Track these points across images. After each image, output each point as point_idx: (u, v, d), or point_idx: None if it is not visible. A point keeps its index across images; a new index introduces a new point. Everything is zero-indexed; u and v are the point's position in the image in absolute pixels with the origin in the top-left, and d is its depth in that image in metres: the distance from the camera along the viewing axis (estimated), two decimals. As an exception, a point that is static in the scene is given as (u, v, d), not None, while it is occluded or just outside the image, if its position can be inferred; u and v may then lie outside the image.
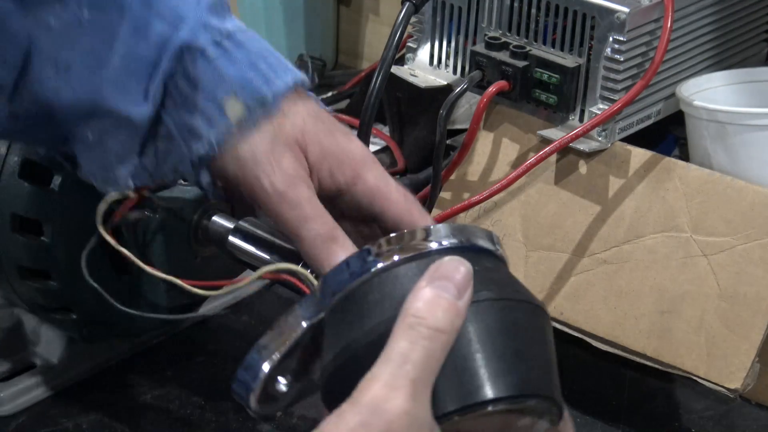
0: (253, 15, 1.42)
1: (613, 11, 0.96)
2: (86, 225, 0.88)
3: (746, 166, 0.95)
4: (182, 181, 0.91)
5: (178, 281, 0.76)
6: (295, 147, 0.71)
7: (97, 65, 0.70)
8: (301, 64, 1.38)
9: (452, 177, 1.04)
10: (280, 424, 0.93)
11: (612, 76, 0.97)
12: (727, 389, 0.91)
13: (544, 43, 1.00)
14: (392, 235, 0.64)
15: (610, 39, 0.96)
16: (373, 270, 0.62)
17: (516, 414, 0.61)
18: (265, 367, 0.63)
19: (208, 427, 0.93)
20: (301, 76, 0.73)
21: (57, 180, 0.86)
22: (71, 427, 0.93)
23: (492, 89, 1.00)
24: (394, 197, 0.73)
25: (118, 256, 0.91)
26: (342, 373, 0.61)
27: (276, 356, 0.63)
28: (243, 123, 0.70)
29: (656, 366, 0.94)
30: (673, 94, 1.02)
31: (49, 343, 0.96)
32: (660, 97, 1.03)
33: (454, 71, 1.06)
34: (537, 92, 1.00)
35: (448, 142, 1.08)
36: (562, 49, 0.99)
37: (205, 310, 1.03)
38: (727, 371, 0.91)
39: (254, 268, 0.92)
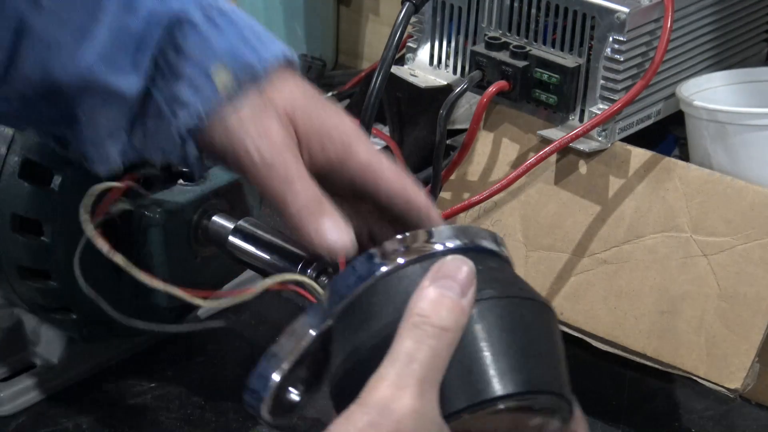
0: (253, 15, 1.40)
1: (613, 11, 0.96)
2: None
3: (746, 166, 0.95)
4: (181, 182, 0.91)
5: (178, 292, 0.76)
6: (284, 118, 0.71)
7: (86, 41, 0.69)
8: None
9: (452, 177, 1.04)
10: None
11: (612, 76, 0.97)
12: (727, 389, 0.91)
13: (544, 43, 1.00)
14: (396, 237, 0.64)
15: (610, 39, 0.96)
16: (377, 274, 0.62)
17: (526, 412, 0.61)
18: (275, 377, 0.63)
19: (208, 427, 0.93)
20: (291, 52, 0.73)
21: (57, 180, 0.86)
22: (71, 427, 0.93)
23: (492, 89, 1.00)
24: (388, 172, 0.72)
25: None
26: (350, 377, 0.61)
27: (285, 366, 0.63)
28: (231, 92, 0.70)
29: (656, 366, 0.94)
30: (673, 94, 1.02)
31: (49, 343, 0.96)
32: (660, 97, 1.03)
33: (454, 71, 1.06)
34: (537, 92, 1.00)
35: (448, 142, 1.08)
36: (562, 49, 0.99)
37: (204, 310, 1.03)
38: (727, 371, 0.91)
39: (254, 269, 0.93)
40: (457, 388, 0.59)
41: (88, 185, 0.87)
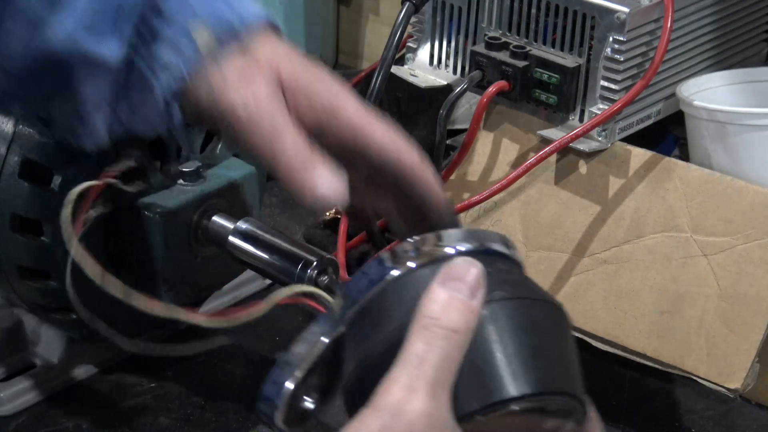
0: (253, 15, 1.42)
1: (613, 11, 0.96)
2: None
3: (746, 166, 0.95)
4: (181, 182, 0.91)
5: (182, 314, 0.75)
6: (269, 74, 0.70)
7: (67, 10, 0.69)
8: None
9: (452, 177, 1.04)
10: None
11: (612, 76, 0.97)
12: (727, 389, 0.91)
13: (544, 43, 1.00)
14: (406, 240, 0.64)
15: (610, 39, 0.96)
16: (388, 278, 0.62)
17: (540, 414, 0.61)
18: (289, 385, 0.62)
19: (208, 427, 0.93)
20: (273, 16, 0.72)
21: (57, 180, 0.86)
22: (71, 427, 0.93)
23: (492, 89, 1.00)
24: (378, 128, 0.71)
25: (116, 253, 0.91)
26: (362, 381, 0.60)
27: (299, 374, 0.62)
28: (213, 51, 0.70)
29: (656, 366, 0.94)
30: (673, 94, 1.02)
31: (49, 343, 0.96)
32: (660, 97, 1.03)
33: (454, 71, 1.06)
34: (537, 92, 1.00)
35: (448, 142, 1.08)
36: (562, 49, 0.99)
37: (204, 310, 1.03)
38: (727, 371, 0.91)
39: (254, 269, 0.93)
40: (469, 390, 0.59)
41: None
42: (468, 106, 1.15)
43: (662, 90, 1.03)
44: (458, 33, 1.05)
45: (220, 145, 0.95)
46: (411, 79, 1.07)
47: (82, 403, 0.95)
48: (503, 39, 1.01)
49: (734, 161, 0.96)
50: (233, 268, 0.96)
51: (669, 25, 0.97)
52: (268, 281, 1.06)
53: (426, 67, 1.08)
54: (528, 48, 1.00)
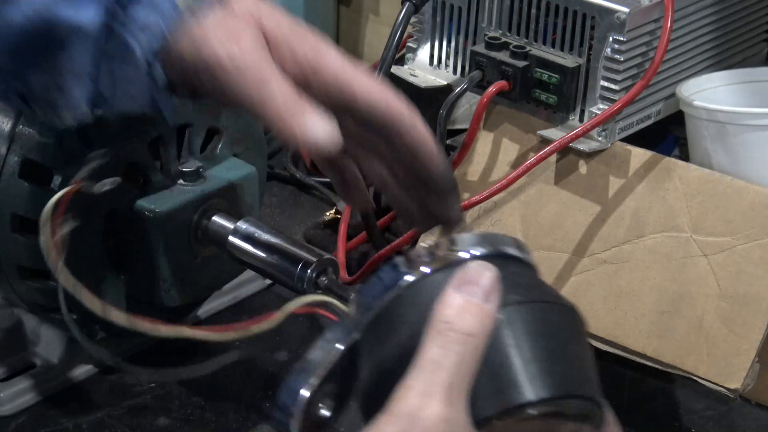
0: (253, 15, 1.42)
1: (613, 11, 0.96)
2: (86, 225, 0.88)
3: (746, 166, 0.95)
4: (181, 182, 0.91)
5: (190, 332, 0.73)
6: (251, 22, 0.70)
7: None
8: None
9: (452, 177, 1.04)
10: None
11: (612, 76, 0.97)
12: (727, 389, 0.91)
13: (544, 43, 1.00)
14: (419, 245, 0.64)
15: (610, 39, 0.96)
16: (402, 284, 0.61)
17: (557, 418, 0.60)
18: (305, 393, 0.62)
19: (208, 427, 0.93)
20: None
21: (57, 180, 0.86)
22: (71, 427, 0.93)
23: (492, 89, 1.00)
24: (363, 77, 0.71)
25: (116, 253, 0.91)
26: (378, 388, 0.60)
27: (315, 381, 0.62)
28: (192, 7, 0.70)
29: (656, 366, 0.94)
30: (673, 94, 1.02)
31: (49, 343, 0.96)
32: (660, 97, 1.03)
33: (454, 71, 1.06)
34: (537, 92, 1.00)
35: (448, 142, 1.08)
36: (562, 49, 0.99)
37: (204, 311, 1.03)
38: (727, 371, 0.91)
39: (254, 269, 0.93)
40: (486, 395, 0.58)
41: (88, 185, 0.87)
42: (468, 106, 1.15)
43: (662, 90, 1.03)
44: (458, 33, 1.05)
45: (220, 145, 0.95)
46: (411, 79, 1.07)
47: (82, 403, 0.95)
48: (503, 39, 1.01)
49: (734, 161, 0.96)
50: (233, 268, 0.96)
51: (669, 25, 0.97)
52: (268, 281, 1.06)
53: (426, 67, 1.08)
54: (528, 48, 1.00)
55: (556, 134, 0.99)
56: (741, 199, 0.93)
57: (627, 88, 0.98)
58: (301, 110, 0.69)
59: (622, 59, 0.96)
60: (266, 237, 0.91)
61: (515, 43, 1.00)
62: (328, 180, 1.21)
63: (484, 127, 1.03)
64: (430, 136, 0.73)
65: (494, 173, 1.03)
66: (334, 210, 1.14)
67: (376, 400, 0.59)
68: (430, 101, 1.09)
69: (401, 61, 1.09)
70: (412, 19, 1.05)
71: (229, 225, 0.91)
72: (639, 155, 0.97)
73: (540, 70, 0.99)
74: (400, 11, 1.02)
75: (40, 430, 0.92)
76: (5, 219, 0.87)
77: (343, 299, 0.88)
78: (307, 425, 0.62)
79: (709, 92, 1.02)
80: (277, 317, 0.71)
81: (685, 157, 1.02)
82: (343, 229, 1.09)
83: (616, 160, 0.98)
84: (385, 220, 1.10)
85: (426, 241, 0.64)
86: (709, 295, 0.92)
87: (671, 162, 0.96)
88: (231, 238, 0.91)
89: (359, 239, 1.08)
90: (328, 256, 0.89)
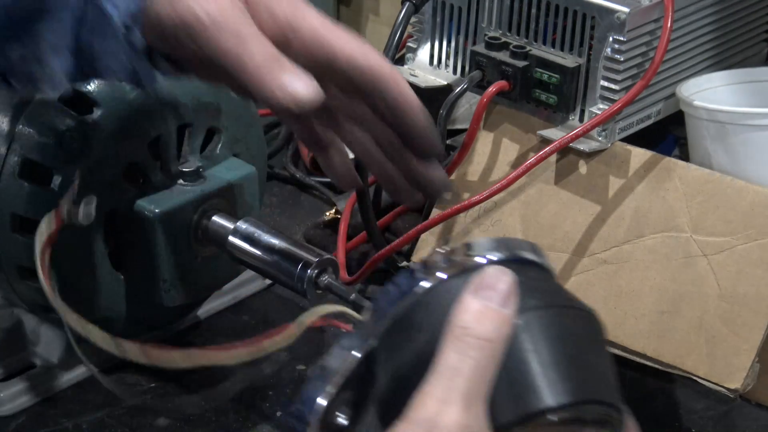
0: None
1: (613, 11, 0.96)
2: (86, 225, 0.88)
3: (746, 166, 0.95)
4: (181, 182, 0.91)
5: (205, 357, 0.73)
6: None
7: None
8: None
9: (452, 177, 1.04)
10: (281, 424, 0.93)
11: (612, 76, 0.97)
12: (727, 389, 0.91)
13: (544, 43, 1.00)
14: (436, 250, 0.63)
15: (610, 39, 0.96)
16: (419, 290, 0.61)
17: (577, 424, 0.59)
18: (322, 401, 0.61)
19: (208, 427, 0.93)
20: None
21: (57, 180, 0.86)
22: (71, 427, 0.93)
23: (492, 89, 1.00)
24: (342, 35, 0.71)
25: (116, 253, 0.91)
26: (395, 395, 0.59)
27: (332, 389, 0.61)
28: None
29: (656, 366, 0.94)
30: (673, 94, 1.02)
31: (49, 343, 0.96)
32: (660, 97, 1.03)
33: (454, 71, 1.06)
34: (537, 92, 1.00)
35: (448, 142, 1.08)
36: (562, 49, 0.99)
37: (204, 310, 1.03)
38: (727, 371, 0.91)
39: (254, 269, 0.93)
40: (505, 401, 0.57)
41: (88, 185, 0.87)
42: (468, 106, 1.15)
43: (662, 90, 1.03)
44: (458, 33, 1.05)
45: (220, 145, 0.95)
46: (411, 79, 1.06)
47: (82, 403, 0.94)
48: (503, 39, 1.01)
49: (734, 161, 0.96)
50: (233, 268, 0.96)
51: (669, 25, 0.97)
52: (268, 281, 1.06)
53: (426, 67, 1.08)
54: (528, 48, 1.00)
55: (556, 134, 0.99)
56: (741, 199, 0.93)
57: (627, 88, 0.98)
58: (279, 66, 0.69)
59: (622, 59, 0.96)
60: (266, 237, 0.91)
61: (515, 43, 1.00)
62: (328, 180, 1.21)
63: (484, 127, 1.03)
64: (412, 93, 0.73)
65: (494, 173, 1.03)
66: (334, 210, 1.14)
67: (394, 407, 0.58)
68: (430, 101, 1.09)
69: (401, 61, 1.09)
70: (412, 19, 1.05)
71: (229, 225, 0.91)
72: (639, 155, 0.97)
73: (540, 70, 0.99)
74: (400, 11, 1.02)
75: (40, 430, 0.92)
76: (5, 219, 0.87)
77: (344, 299, 0.89)
78: None
79: (709, 92, 1.02)
80: (292, 332, 0.70)
81: (685, 157, 1.02)
82: (343, 229, 1.09)
83: (616, 160, 0.98)
84: (385, 220, 1.10)
85: (442, 247, 0.63)
86: (709, 295, 0.92)
87: (671, 162, 0.96)
88: (231, 238, 0.91)
89: (359, 239, 1.08)
90: (328, 256, 0.89)
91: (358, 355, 0.61)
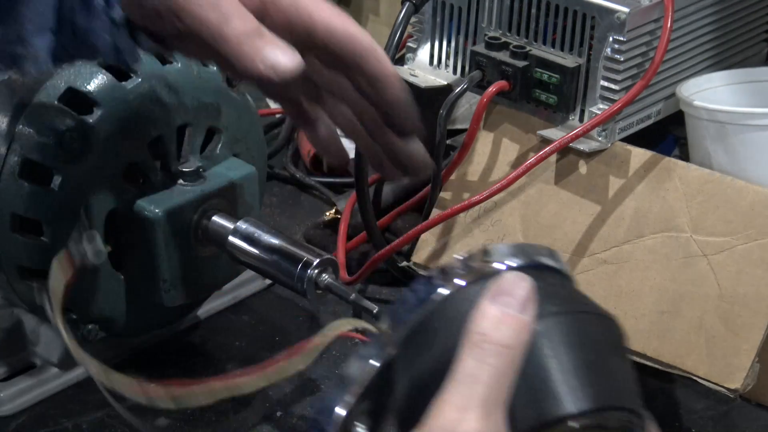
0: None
1: (613, 11, 0.96)
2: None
3: (746, 166, 0.95)
4: (181, 182, 0.91)
5: (225, 388, 0.72)
6: None
7: None
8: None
9: (452, 177, 1.04)
10: (280, 424, 0.93)
11: (612, 76, 0.97)
12: (727, 389, 0.91)
13: (544, 43, 1.00)
14: (454, 257, 0.63)
15: (610, 39, 0.96)
16: (437, 297, 0.60)
17: (599, 431, 0.59)
18: (341, 411, 0.60)
19: (208, 428, 0.93)
20: None
21: (57, 180, 0.86)
22: (71, 427, 0.93)
23: (492, 89, 1.00)
24: (322, 5, 0.71)
25: (116, 253, 0.91)
26: (414, 403, 0.59)
27: (350, 399, 0.60)
28: None
29: (656, 366, 0.94)
30: (673, 94, 1.02)
31: (49, 343, 0.96)
32: (660, 97, 1.03)
33: (454, 71, 1.06)
34: (537, 92, 1.00)
35: (448, 142, 1.08)
36: (562, 49, 0.99)
37: (204, 310, 1.03)
38: (727, 371, 0.91)
39: (254, 269, 0.93)
40: (524, 408, 0.57)
41: (88, 185, 0.87)
42: (468, 106, 1.15)
43: (662, 90, 1.03)
44: (458, 33, 1.05)
45: (220, 145, 0.95)
46: (411, 79, 1.07)
47: (82, 403, 0.94)
48: (503, 39, 1.01)
49: (734, 161, 0.96)
50: (233, 268, 0.96)
51: (669, 25, 0.97)
52: (268, 281, 1.06)
53: (426, 67, 1.08)
54: (528, 48, 1.00)
55: (556, 134, 0.99)
56: (741, 199, 0.93)
57: (627, 88, 0.98)
58: (260, 38, 0.69)
59: (622, 59, 0.96)
60: (266, 237, 0.91)
61: (515, 43, 1.00)
62: (328, 180, 1.21)
63: (484, 127, 1.03)
64: (391, 66, 0.73)
65: (494, 173, 1.03)
66: (334, 210, 1.14)
67: (413, 416, 0.58)
68: (430, 101, 1.09)
69: (401, 61, 1.09)
70: (412, 19, 1.05)
71: (229, 225, 0.91)
72: (639, 155, 0.97)
73: (540, 70, 0.99)
74: (400, 11, 1.02)
75: (40, 430, 0.92)
76: (5, 219, 0.87)
77: (344, 299, 0.89)
78: None
79: (709, 92, 1.02)
80: (311, 351, 0.70)
81: (685, 157, 1.02)
82: (343, 229, 1.09)
83: (616, 160, 0.98)
84: (385, 220, 1.10)
85: (460, 253, 0.63)
86: (709, 295, 0.92)
87: (671, 162, 0.96)
88: (231, 238, 0.91)
89: (359, 239, 1.08)
90: (328, 256, 0.89)
91: (377, 364, 0.61)
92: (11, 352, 0.96)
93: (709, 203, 0.94)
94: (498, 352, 0.57)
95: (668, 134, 1.09)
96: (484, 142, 1.03)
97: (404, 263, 1.04)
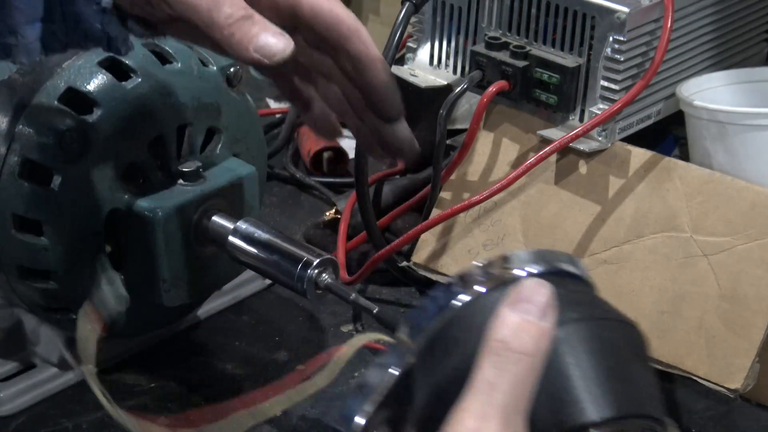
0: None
1: (613, 11, 0.96)
2: (86, 225, 0.88)
3: (746, 166, 0.95)
4: (181, 182, 0.91)
5: (248, 417, 0.72)
6: None
7: None
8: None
9: (452, 177, 1.04)
10: (280, 424, 0.93)
11: (612, 76, 0.97)
12: (728, 389, 0.91)
13: (544, 43, 1.00)
14: (474, 264, 0.62)
15: (610, 39, 0.96)
16: (456, 305, 0.60)
17: None
18: (360, 420, 0.60)
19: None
20: None
21: (57, 180, 0.86)
22: (71, 427, 0.93)
23: (492, 89, 1.00)
24: None
25: (116, 253, 0.91)
26: (433, 412, 0.58)
27: (370, 408, 0.60)
28: None
29: (656, 366, 0.94)
30: (673, 94, 1.02)
31: (49, 343, 0.96)
32: (660, 97, 1.03)
33: (454, 71, 1.06)
34: (537, 92, 1.00)
35: (448, 142, 1.08)
36: (562, 49, 0.99)
37: (204, 310, 1.03)
38: (728, 371, 0.91)
39: (254, 269, 0.93)
40: (545, 415, 0.56)
41: (88, 185, 0.87)
42: (468, 106, 1.15)
43: (662, 90, 1.03)
44: (458, 33, 1.05)
45: (220, 145, 0.95)
46: (411, 79, 1.07)
47: (82, 403, 0.94)
48: (503, 39, 1.01)
49: (734, 161, 0.96)
50: (233, 268, 0.96)
51: (669, 25, 0.97)
52: (268, 281, 1.06)
53: (426, 67, 1.08)
54: (528, 48, 1.00)
55: (556, 134, 0.99)
56: (741, 199, 0.93)
57: (627, 88, 0.98)
58: (251, 22, 0.69)
59: (622, 59, 0.96)
60: (266, 237, 0.90)
61: (515, 43, 1.00)
62: (328, 180, 1.21)
63: (484, 127, 1.03)
64: (375, 50, 0.74)
65: (494, 173, 1.03)
66: (334, 210, 1.14)
67: (432, 424, 0.57)
68: (430, 101, 1.09)
69: (401, 61, 1.09)
70: (412, 19, 1.05)
71: (229, 225, 0.91)
72: (639, 155, 0.97)
73: (540, 70, 0.99)
74: (400, 11, 1.02)
75: (40, 430, 0.92)
76: (5, 219, 0.87)
77: (344, 299, 0.89)
78: None
79: (709, 92, 1.02)
80: (333, 366, 0.69)
81: (685, 157, 1.02)
82: (343, 229, 1.09)
83: (616, 160, 0.98)
84: (385, 220, 1.10)
85: (479, 260, 0.62)
86: (709, 295, 0.92)
87: (671, 162, 0.96)
88: (231, 238, 0.91)
89: (359, 239, 1.08)
90: (328, 256, 0.89)
91: (396, 372, 0.60)
92: (11, 352, 0.96)
93: (709, 203, 0.94)
94: (517, 359, 0.56)
95: (668, 134, 1.09)
96: (484, 142, 1.03)
97: (404, 263, 1.04)
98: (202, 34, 0.71)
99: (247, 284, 1.06)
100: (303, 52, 0.75)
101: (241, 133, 0.96)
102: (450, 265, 1.02)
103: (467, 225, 1.02)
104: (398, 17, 1.02)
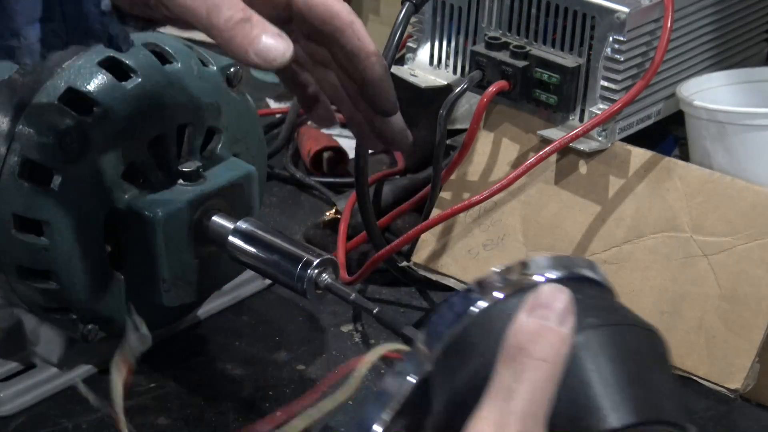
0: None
1: (613, 11, 0.96)
2: (86, 225, 0.88)
3: (746, 166, 0.95)
4: (181, 182, 0.91)
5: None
6: None
7: None
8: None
9: (452, 177, 1.04)
10: (280, 425, 0.93)
11: (612, 76, 0.97)
12: (728, 389, 0.91)
13: (544, 43, 1.00)
14: (492, 269, 0.62)
15: (610, 39, 0.96)
16: (474, 311, 0.59)
17: None
18: (377, 429, 0.59)
19: (208, 427, 0.93)
20: None
21: (57, 180, 0.86)
22: (71, 427, 0.93)
23: (492, 89, 1.00)
24: None
25: (116, 253, 0.91)
26: (451, 419, 0.58)
27: (387, 417, 0.59)
28: None
29: (656, 366, 0.94)
30: (673, 94, 1.02)
31: (49, 343, 0.96)
32: (660, 97, 1.03)
33: (454, 71, 1.06)
34: (537, 92, 1.00)
35: (448, 142, 1.08)
36: (562, 49, 0.99)
37: (204, 310, 1.03)
38: (728, 371, 0.91)
39: (254, 269, 0.93)
40: (565, 422, 0.56)
41: (88, 185, 0.87)
42: (468, 106, 1.15)
43: (662, 90, 1.03)
44: (458, 33, 1.05)
45: (220, 145, 0.95)
46: (411, 79, 1.07)
47: (82, 403, 0.94)
48: (503, 39, 1.01)
49: (734, 161, 0.96)
50: (233, 268, 0.96)
51: (669, 25, 0.97)
52: (268, 281, 1.06)
53: (426, 67, 1.08)
54: (528, 48, 1.00)
55: (556, 134, 0.99)
56: (741, 199, 0.93)
57: (627, 88, 0.98)
58: (250, 26, 0.69)
59: (622, 59, 0.96)
60: (266, 237, 0.90)
61: (515, 43, 1.00)
62: (328, 180, 1.21)
63: (484, 127, 1.03)
64: (370, 42, 0.74)
65: (494, 173, 1.03)
66: (334, 210, 1.14)
67: (451, 429, 0.57)
68: (430, 101, 1.09)
69: (401, 61, 1.09)
70: (412, 19, 1.05)
71: (229, 225, 0.91)
72: (639, 155, 0.97)
73: (540, 70, 0.99)
74: (400, 11, 1.02)
75: (40, 430, 0.92)
76: (5, 219, 0.87)
77: (344, 299, 0.89)
78: None
79: (709, 92, 1.02)
80: (354, 380, 0.68)
81: (685, 157, 1.02)
82: (343, 229, 1.09)
83: (616, 160, 0.98)
84: (385, 220, 1.10)
85: (497, 266, 0.61)
86: (709, 295, 0.92)
87: (671, 162, 0.96)
88: (231, 238, 0.91)
89: (359, 239, 1.08)
90: (328, 256, 0.89)
91: (414, 380, 0.60)
92: (11, 352, 0.96)
93: (709, 203, 0.94)
94: (536, 366, 0.55)
95: (668, 134, 1.09)
96: (484, 142, 1.03)
97: (404, 263, 1.04)
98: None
99: (247, 284, 1.06)
100: (296, 42, 0.75)
101: (241, 133, 0.96)
102: (450, 265, 1.02)
103: (467, 225, 1.02)
104: (398, 17, 1.02)
